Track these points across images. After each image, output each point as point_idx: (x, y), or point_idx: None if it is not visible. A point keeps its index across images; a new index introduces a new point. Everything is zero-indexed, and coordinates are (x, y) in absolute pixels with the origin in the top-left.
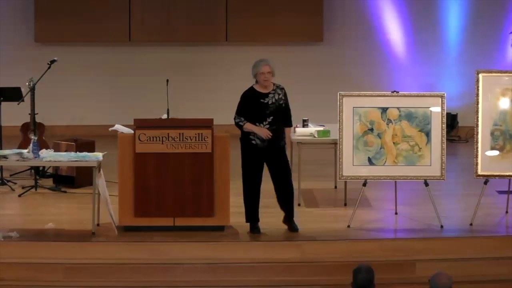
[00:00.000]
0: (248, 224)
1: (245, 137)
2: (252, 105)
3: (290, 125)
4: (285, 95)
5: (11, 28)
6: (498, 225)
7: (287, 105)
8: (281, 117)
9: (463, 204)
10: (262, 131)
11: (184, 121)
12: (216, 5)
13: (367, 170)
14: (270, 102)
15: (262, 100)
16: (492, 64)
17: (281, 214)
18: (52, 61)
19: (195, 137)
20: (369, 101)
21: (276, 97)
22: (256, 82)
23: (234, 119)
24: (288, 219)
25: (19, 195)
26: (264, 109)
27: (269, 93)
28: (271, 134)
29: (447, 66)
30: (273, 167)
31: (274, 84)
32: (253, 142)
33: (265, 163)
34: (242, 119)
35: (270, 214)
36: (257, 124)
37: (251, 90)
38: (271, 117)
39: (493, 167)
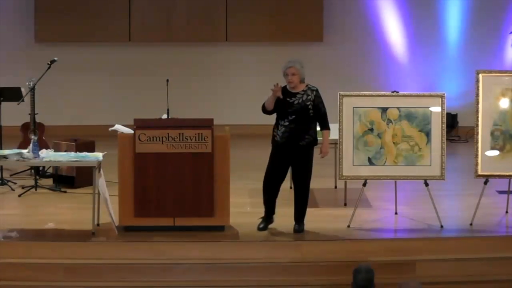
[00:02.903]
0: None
1: (272, 133)
2: (279, 101)
3: (325, 127)
4: (316, 97)
5: (11, 28)
6: (498, 225)
7: (318, 107)
8: (306, 118)
9: (463, 204)
10: (273, 90)
11: (184, 121)
12: (216, 5)
13: (367, 170)
14: (296, 102)
15: (288, 99)
16: (492, 64)
17: (281, 215)
18: (52, 61)
19: (195, 137)
20: (369, 101)
21: (304, 98)
22: None
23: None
24: (295, 219)
25: (19, 195)
26: (288, 108)
27: (297, 93)
28: (277, 84)
29: (447, 66)
30: (293, 167)
31: (306, 85)
32: (275, 138)
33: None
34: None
35: None
36: (279, 121)
37: (284, 87)
38: (293, 116)
39: (493, 167)
